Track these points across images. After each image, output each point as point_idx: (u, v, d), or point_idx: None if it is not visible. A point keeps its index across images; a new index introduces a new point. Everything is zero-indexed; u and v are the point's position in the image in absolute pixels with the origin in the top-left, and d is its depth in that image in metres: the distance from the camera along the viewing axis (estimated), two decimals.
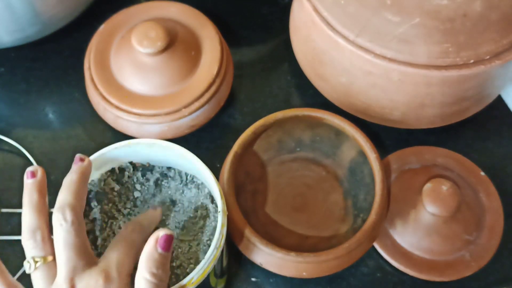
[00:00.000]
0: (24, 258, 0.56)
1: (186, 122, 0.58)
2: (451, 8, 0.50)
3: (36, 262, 0.41)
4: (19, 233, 0.57)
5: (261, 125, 0.55)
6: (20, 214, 0.58)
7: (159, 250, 0.40)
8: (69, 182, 0.43)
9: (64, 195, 0.42)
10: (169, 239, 0.40)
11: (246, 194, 0.58)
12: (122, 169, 0.50)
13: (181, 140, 0.59)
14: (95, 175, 0.49)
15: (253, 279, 0.56)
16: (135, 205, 0.49)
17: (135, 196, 0.49)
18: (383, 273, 0.56)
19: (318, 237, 0.56)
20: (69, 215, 0.41)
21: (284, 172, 0.59)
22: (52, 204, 0.59)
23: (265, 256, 0.51)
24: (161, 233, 0.40)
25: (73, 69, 0.65)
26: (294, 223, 0.57)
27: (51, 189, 0.59)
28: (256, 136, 0.56)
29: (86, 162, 0.44)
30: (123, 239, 0.44)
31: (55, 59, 0.67)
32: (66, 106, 0.64)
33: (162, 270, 0.40)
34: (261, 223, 0.57)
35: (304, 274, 0.52)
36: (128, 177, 0.50)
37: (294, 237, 0.56)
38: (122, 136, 0.60)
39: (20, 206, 0.58)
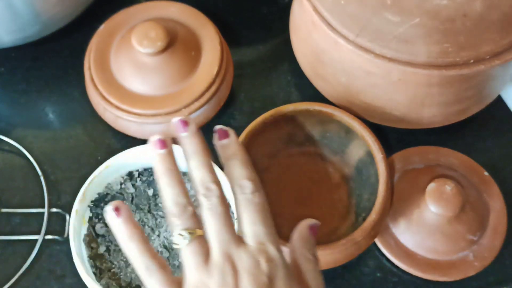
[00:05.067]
0: (25, 257, 0.56)
1: None
2: (451, 8, 0.50)
3: (190, 234, 0.37)
4: (19, 233, 0.57)
5: (271, 115, 0.56)
6: (20, 214, 0.58)
7: (311, 234, 0.41)
8: (197, 159, 0.39)
9: (201, 172, 0.39)
10: (317, 228, 0.42)
11: None
12: (139, 173, 0.50)
13: None
14: (110, 178, 0.49)
15: None
16: (155, 204, 0.49)
17: (150, 194, 0.49)
18: (384, 272, 0.56)
19: (318, 231, 0.56)
20: (215, 191, 0.38)
21: (291, 165, 0.60)
22: (52, 203, 0.59)
23: None
24: (312, 222, 0.42)
25: (73, 69, 0.65)
26: (295, 216, 0.57)
27: (51, 189, 0.60)
28: (265, 126, 0.56)
29: (192, 127, 0.40)
30: (252, 206, 0.39)
31: (55, 59, 0.67)
32: (66, 106, 0.64)
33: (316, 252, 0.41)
34: None
35: None
36: (144, 181, 0.50)
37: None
38: (122, 136, 0.60)
39: (20, 206, 0.59)
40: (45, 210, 0.58)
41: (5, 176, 0.60)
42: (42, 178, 0.60)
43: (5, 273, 0.56)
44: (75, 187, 0.58)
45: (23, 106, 0.64)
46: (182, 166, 0.49)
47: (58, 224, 0.57)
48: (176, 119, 0.40)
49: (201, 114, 0.59)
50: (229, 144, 0.40)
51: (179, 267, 0.47)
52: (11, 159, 0.61)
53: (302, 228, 0.41)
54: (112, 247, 0.47)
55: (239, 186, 0.39)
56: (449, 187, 0.53)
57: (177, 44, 0.58)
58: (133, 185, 0.50)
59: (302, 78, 0.63)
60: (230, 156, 0.40)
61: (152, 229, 0.48)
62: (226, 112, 0.63)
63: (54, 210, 0.58)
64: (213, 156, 0.48)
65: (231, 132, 0.41)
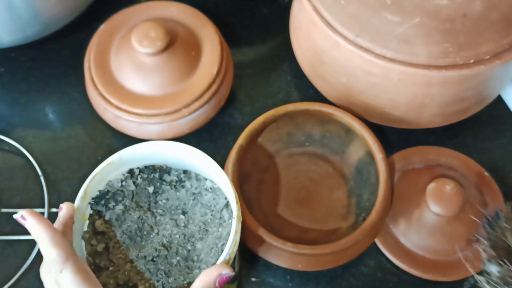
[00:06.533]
0: (25, 257, 0.56)
1: (186, 122, 0.58)
2: (451, 8, 0.50)
3: None
4: (19, 233, 0.57)
5: (271, 115, 0.56)
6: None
7: (217, 285, 0.41)
8: (42, 243, 0.43)
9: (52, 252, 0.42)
10: (228, 279, 0.41)
11: (251, 183, 0.58)
12: (140, 170, 0.50)
13: (181, 140, 0.59)
14: (112, 176, 0.49)
15: (253, 279, 0.56)
16: (155, 202, 0.49)
17: (150, 192, 0.49)
18: (383, 272, 0.56)
19: (318, 231, 0.56)
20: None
21: (291, 164, 0.60)
22: (52, 203, 0.59)
23: (263, 245, 0.51)
24: (226, 271, 0.41)
25: (73, 69, 0.65)
26: (296, 215, 0.57)
27: (51, 189, 0.60)
28: (265, 126, 0.56)
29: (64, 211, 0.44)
30: (66, 283, 0.41)
31: (55, 59, 0.67)
32: (66, 106, 0.64)
33: None
34: (263, 213, 0.57)
35: (299, 266, 0.52)
36: (145, 178, 0.50)
37: (294, 229, 0.56)
38: (122, 136, 0.60)
39: (20, 206, 0.59)
40: (45, 210, 0.58)
41: (5, 176, 0.60)
42: (42, 178, 0.60)
43: (5, 273, 0.56)
44: (75, 187, 0.58)
45: (23, 106, 0.64)
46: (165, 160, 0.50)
47: None
48: (15, 216, 0.43)
49: (201, 114, 0.59)
50: (29, 227, 0.43)
51: (176, 265, 0.47)
52: (11, 159, 0.61)
53: (209, 275, 0.41)
54: (111, 244, 0.47)
55: (49, 270, 0.42)
56: (449, 187, 0.53)
57: (177, 44, 0.58)
58: (133, 182, 0.50)
59: (302, 78, 0.63)
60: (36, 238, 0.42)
61: (151, 227, 0.48)
62: (226, 112, 0.63)
63: (54, 210, 0.58)
64: (209, 152, 0.48)
65: (27, 215, 0.42)
